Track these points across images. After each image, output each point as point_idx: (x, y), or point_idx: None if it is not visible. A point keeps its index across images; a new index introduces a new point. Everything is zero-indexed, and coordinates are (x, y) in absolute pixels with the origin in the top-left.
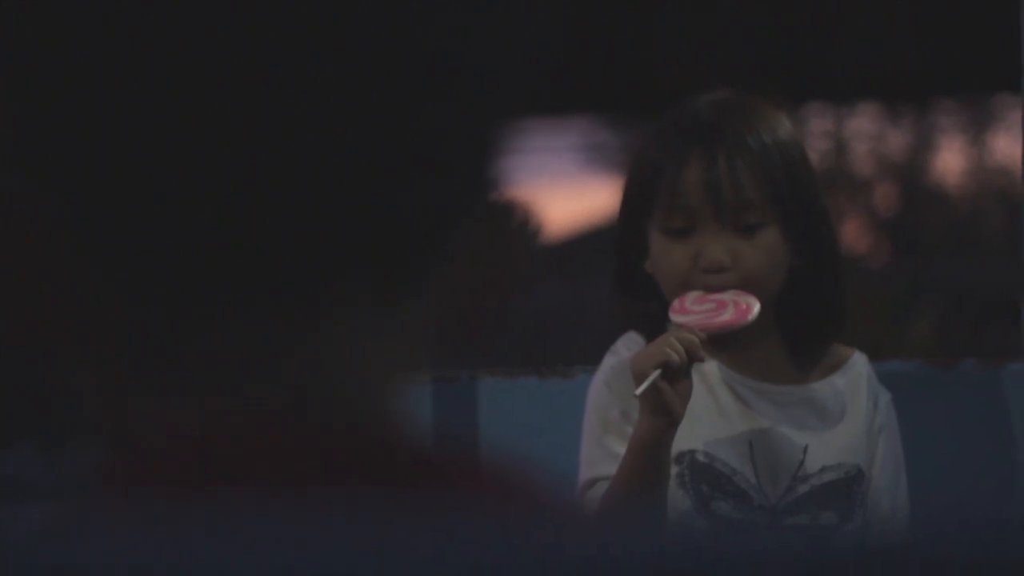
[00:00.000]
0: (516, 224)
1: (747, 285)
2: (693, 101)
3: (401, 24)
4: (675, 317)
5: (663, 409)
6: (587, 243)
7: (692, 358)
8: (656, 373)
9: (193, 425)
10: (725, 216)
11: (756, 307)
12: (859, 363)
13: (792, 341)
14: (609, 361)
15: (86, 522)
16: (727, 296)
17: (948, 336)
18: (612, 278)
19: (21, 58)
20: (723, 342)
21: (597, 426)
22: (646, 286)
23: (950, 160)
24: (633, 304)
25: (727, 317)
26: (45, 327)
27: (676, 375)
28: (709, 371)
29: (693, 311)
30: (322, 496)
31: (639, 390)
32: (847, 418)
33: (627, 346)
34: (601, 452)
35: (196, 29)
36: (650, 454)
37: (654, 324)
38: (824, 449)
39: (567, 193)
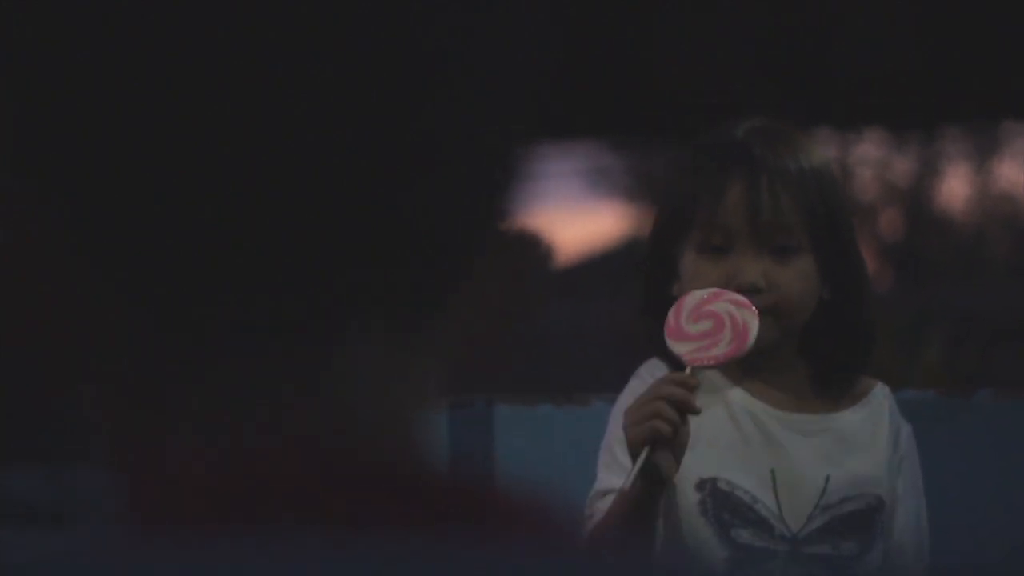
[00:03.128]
0: (527, 249)
1: (779, 309)
2: (730, 128)
3: (416, 46)
4: (672, 343)
5: (655, 475)
6: (593, 268)
7: (685, 412)
8: (644, 454)
9: (205, 453)
10: (762, 239)
11: (754, 327)
12: (881, 393)
13: (817, 372)
14: (633, 384)
15: (100, 549)
16: (723, 308)
17: (956, 363)
18: (639, 303)
19: (21, 58)
20: (748, 371)
21: (615, 441)
22: None
23: (956, 186)
24: (659, 330)
25: (724, 349)
26: (53, 343)
27: (669, 439)
28: (733, 399)
29: (690, 334)
30: (339, 526)
31: (626, 482)
32: (869, 448)
33: (651, 372)
34: (616, 467)
35: (199, 30)
36: (640, 512)
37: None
38: (846, 479)
39: (572, 218)
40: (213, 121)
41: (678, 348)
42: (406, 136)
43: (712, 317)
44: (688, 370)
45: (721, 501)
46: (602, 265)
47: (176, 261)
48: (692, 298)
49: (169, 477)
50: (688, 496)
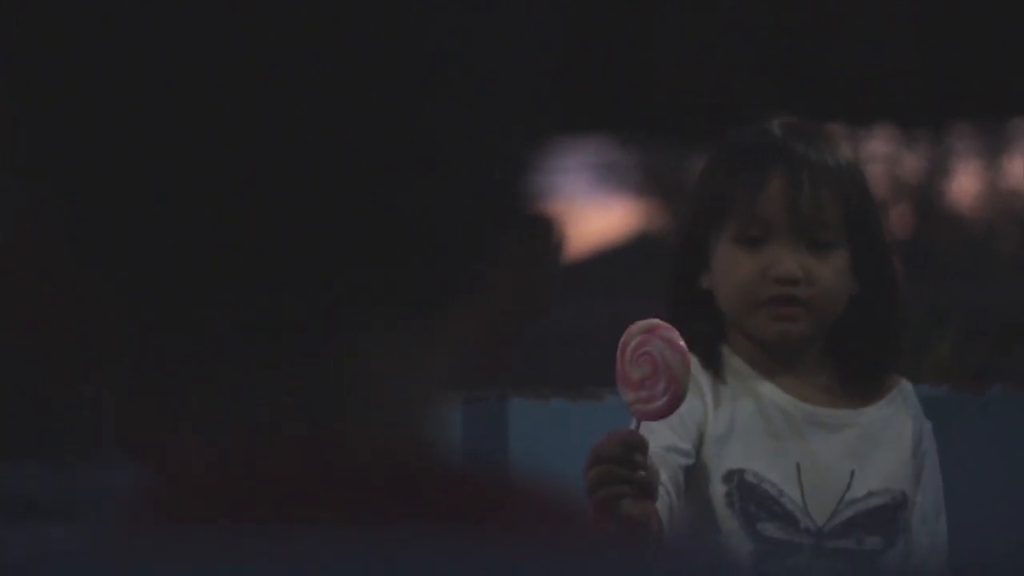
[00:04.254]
0: (538, 245)
1: (815, 303)
2: (764, 124)
3: (422, 45)
4: (620, 388)
5: (632, 524)
6: (603, 263)
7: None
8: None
9: (214, 452)
10: (801, 232)
11: (683, 377)
12: (906, 390)
13: (847, 368)
14: None
15: (102, 547)
16: (657, 349)
17: (967, 359)
18: (667, 294)
19: (21, 58)
20: (778, 365)
21: None
22: (700, 304)
23: (966, 182)
24: (686, 322)
25: (660, 403)
26: (56, 342)
27: (630, 493)
28: (763, 392)
29: (632, 379)
30: (352, 524)
31: None
32: (894, 444)
33: None
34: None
35: (198, 30)
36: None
37: (707, 344)
38: (871, 474)
39: (581, 214)
40: (214, 121)
41: (623, 396)
42: (412, 134)
43: (649, 361)
44: (634, 423)
45: (748, 493)
46: (612, 260)
47: (197, 260)
48: (634, 332)
49: (177, 476)
50: (715, 488)
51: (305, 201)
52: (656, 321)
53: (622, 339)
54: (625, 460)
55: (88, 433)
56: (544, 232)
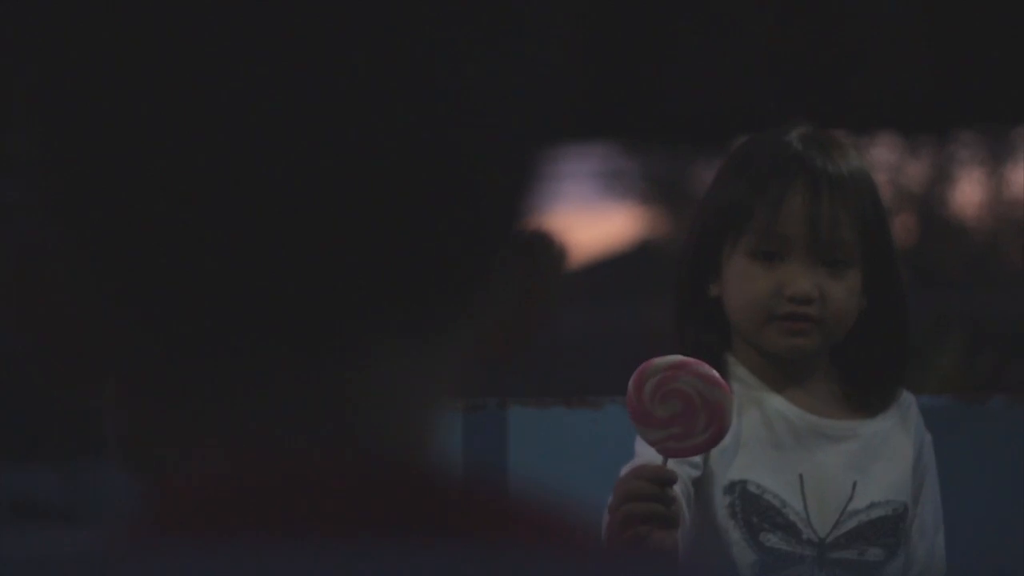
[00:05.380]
0: (542, 251)
1: (827, 323)
2: (782, 135)
3: (429, 57)
4: (639, 427)
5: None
6: (605, 270)
7: (663, 503)
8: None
9: (215, 460)
10: (820, 251)
11: (729, 408)
12: (907, 402)
13: (852, 381)
14: None
15: (108, 549)
16: (691, 385)
17: (971, 369)
18: (675, 303)
19: (32, 65)
20: (784, 377)
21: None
22: (707, 312)
23: (969, 191)
24: (693, 332)
25: (701, 438)
26: (66, 347)
27: (657, 528)
28: (766, 403)
29: (658, 418)
30: (350, 530)
31: None
32: (896, 455)
33: None
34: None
35: (209, 36)
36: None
37: (712, 352)
38: (873, 485)
39: (585, 220)
40: (225, 129)
41: (647, 435)
42: (417, 141)
43: (680, 397)
44: (663, 461)
45: (750, 504)
46: (615, 268)
47: (201, 267)
48: (653, 370)
49: (176, 485)
50: (718, 499)
51: (308, 210)
52: (681, 358)
53: (635, 377)
54: (659, 497)
55: (91, 436)
56: (547, 239)
